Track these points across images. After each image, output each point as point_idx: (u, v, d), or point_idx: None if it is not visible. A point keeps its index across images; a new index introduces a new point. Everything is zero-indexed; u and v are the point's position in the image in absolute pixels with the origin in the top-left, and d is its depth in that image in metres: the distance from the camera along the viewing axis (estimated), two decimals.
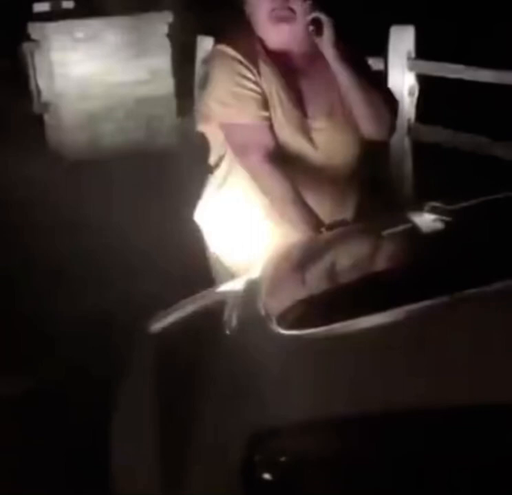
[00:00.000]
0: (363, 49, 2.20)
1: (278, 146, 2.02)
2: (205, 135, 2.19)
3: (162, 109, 7.00)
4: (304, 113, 2.04)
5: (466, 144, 4.30)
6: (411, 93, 4.57)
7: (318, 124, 2.05)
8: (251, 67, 2.01)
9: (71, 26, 6.58)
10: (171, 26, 6.95)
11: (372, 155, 2.29)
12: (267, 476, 1.05)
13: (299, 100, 2.05)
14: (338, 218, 2.04)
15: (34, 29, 6.67)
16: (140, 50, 6.82)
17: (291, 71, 2.06)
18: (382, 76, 2.24)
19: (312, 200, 2.01)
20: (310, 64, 2.07)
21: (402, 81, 4.55)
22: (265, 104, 2.02)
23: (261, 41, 2.05)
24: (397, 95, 4.59)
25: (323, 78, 2.05)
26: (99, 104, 6.74)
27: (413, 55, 4.56)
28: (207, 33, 6.67)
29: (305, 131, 2.04)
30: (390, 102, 2.12)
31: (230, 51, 2.02)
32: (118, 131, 6.85)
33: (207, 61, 2.12)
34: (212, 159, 2.21)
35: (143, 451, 1.37)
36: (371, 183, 2.25)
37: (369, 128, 2.08)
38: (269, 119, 2.02)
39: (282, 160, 2.01)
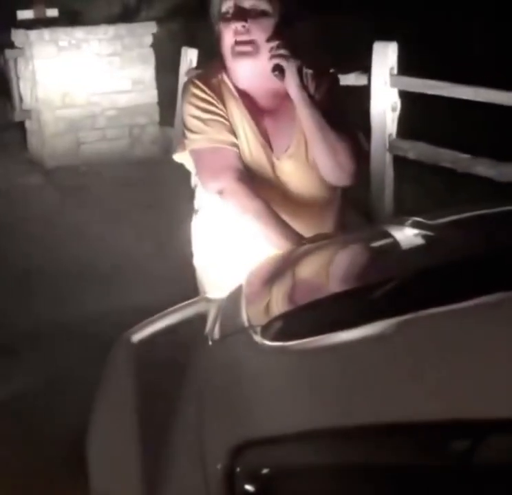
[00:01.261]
0: (336, 84, 2.15)
1: (246, 171, 2.03)
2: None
3: (144, 119, 7.02)
4: (270, 152, 2.05)
5: (446, 161, 4.34)
6: (393, 109, 4.61)
7: (284, 164, 2.06)
8: (218, 101, 2.03)
9: (55, 34, 6.58)
10: (155, 36, 6.97)
11: None
12: (249, 487, 1.05)
13: (263, 137, 2.05)
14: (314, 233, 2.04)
15: (18, 36, 6.67)
16: (123, 60, 6.84)
17: (258, 107, 2.06)
18: (352, 126, 2.13)
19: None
20: (278, 102, 2.06)
21: (385, 97, 4.59)
22: (232, 132, 2.03)
23: (230, 78, 2.05)
24: (379, 111, 4.68)
25: (291, 117, 2.03)
26: (81, 112, 6.74)
27: (395, 71, 4.60)
28: (191, 44, 6.70)
29: (271, 169, 2.06)
30: (354, 151, 2.03)
31: (198, 83, 2.05)
32: (100, 139, 6.85)
33: (182, 95, 2.13)
34: (192, 184, 2.23)
35: (122, 464, 1.36)
36: (350, 198, 2.26)
37: (326, 173, 2.05)
38: (237, 146, 2.03)
39: (252, 183, 2.02)
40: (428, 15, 7.81)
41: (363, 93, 4.57)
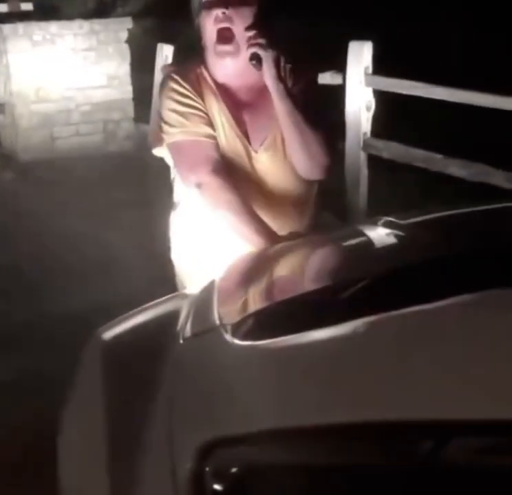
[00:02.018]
0: (314, 80, 2.16)
1: (225, 164, 2.03)
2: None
3: (119, 114, 6.99)
4: (248, 146, 2.06)
5: (419, 161, 4.37)
6: (367, 108, 4.62)
7: (260, 157, 2.06)
8: (196, 95, 2.04)
9: (30, 28, 6.52)
10: (130, 32, 6.93)
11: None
12: (217, 487, 1.05)
13: (241, 130, 2.05)
14: (289, 231, 2.05)
15: None
16: (98, 55, 6.80)
17: (236, 101, 2.07)
18: (327, 121, 2.13)
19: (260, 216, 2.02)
20: (257, 96, 2.06)
21: (359, 96, 4.61)
22: (211, 125, 2.04)
23: (209, 71, 2.06)
24: (354, 110, 4.69)
25: (269, 111, 2.03)
26: (55, 107, 6.69)
27: (370, 70, 4.61)
28: (167, 41, 6.67)
29: (248, 163, 2.06)
30: (326, 145, 2.04)
31: (177, 78, 2.05)
32: (74, 134, 6.81)
33: (159, 90, 2.13)
34: (171, 178, 2.22)
35: (91, 463, 1.35)
36: (324, 197, 2.27)
37: (300, 167, 2.06)
38: (215, 138, 2.04)
39: (230, 177, 2.02)
40: (404, 15, 7.84)
41: (338, 92, 4.58)
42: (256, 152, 2.07)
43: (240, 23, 1.96)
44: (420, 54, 6.94)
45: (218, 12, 1.96)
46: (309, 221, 2.16)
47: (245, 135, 2.06)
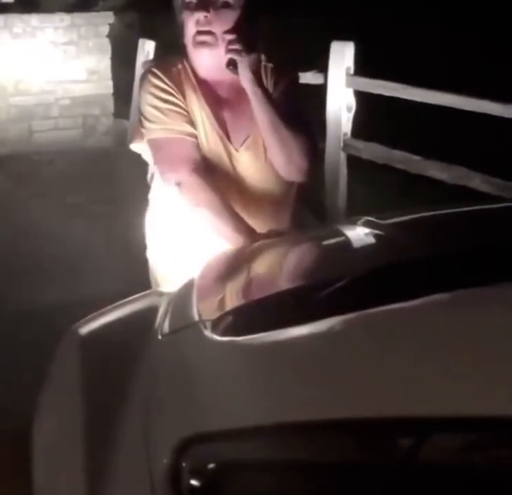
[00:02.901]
0: (296, 81, 2.15)
1: (204, 162, 2.03)
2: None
3: (99, 109, 6.95)
4: (228, 144, 2.05)
5: (399, 162, 4.39)
6: (348, 109, 4.65)
7: (241, 156, 2.06)
8: (176, 91, 2.03)
9: (10, 21, 6.48)
10: (112, 27, 6.89)
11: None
12: (194, 482, 1.04)
13: (222, 128, 2.05)
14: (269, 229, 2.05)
15: None
16: (79, 49, 6.76)
17: (218, 98, 2.06)
18: (308, 122, 2.12)
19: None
20: (239, 94, 2.05)
21: (340, 97, 4.62)
22: (191, 123, 2.03)
23: (192, 68, 2.05)
24: (335, 110, 4.71)
25: (250, 109, 2.02)
26: (34, 100, 6.65)
27: (351, 71, 4.63)
28: (149, 36, 6.65)
29: (229, 161, 2.06)
30: (306, 149, 2.03)
31: (157, 73, 2.04)
32: (53, 128, 6.77)
33: (139, 84, 2.12)
34: (149, 175, 2.21)
35: (66, 460, 1.34)
36: (303, 195, 2.27)
37: (279, 168, 2.06)
38: (196, 136, 2.03)
39: (209, 176, 2.01)
40: (386, 16, 7.88)
41: (319, 92, 4.59)
42: (237, 151, 2.06)
43: (221, 26, 1.96)
44: (402, 55, 6.97)
45: (200, 15, 1.96)
46: (289, 221, 2.16)
47: (226, 133, 2.06)
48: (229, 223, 1.97)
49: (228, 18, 1.96)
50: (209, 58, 2.00)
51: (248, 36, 1.96)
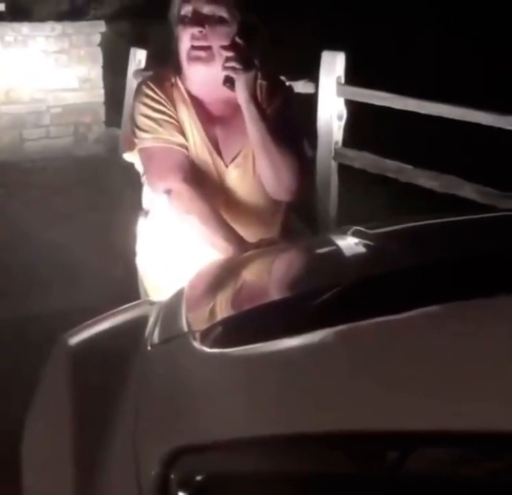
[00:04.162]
0: (290, 98, 2.12)
1: (194, 173, 2.03)
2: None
3: (90, 118, 6.95)
4: (218, 159, 2.05)
5: (390, 171, 4.41)
6: (339, 118, 4.66)
7: (231, 172, 2.06)
8: (169, 104, 2.03)
9: (1, 29, 6.48)
10: (103, 36, 6.90)
11: None
12: (183, 494, 1.04)
13: (212, 144, 2.05)
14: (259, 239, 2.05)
15: None
16: (70, 58, 6.76)
17: (209, 114, 2.06)
18: (301, 142, 2.11)
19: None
20: (231, 111, 2.05)
21: (331, 106, 4.64)
22: (183, 134, 2.03)
23: (184, 82, 2.05)
24: (326, 119, 4.72)
25: (242, 126, 2.01)
26: (25, 109, 6.64)
27: (342, 80, 4.65)
28: (140, 45, 6.65)
29: (218, 176, 2.06)
30: (297, 169, 2.02)
31: (151, 85, 2.05)
32: (44, 137, 6.76)
33: (134, 95, 2.12)
34: (142, 184, 2.22)
35: (55, 469, 1.34)
36: (295, 206, 2.27)
37: (268, 188, 2.05)
38: (187, 147, 2.03)
39: (199, 186, 2.01)
40: (377, 26, 7.91)
41: (310, 101, 4.60)
42: (226, 167, 2.06)
43: (216, 41, 1.95)
44: (395, 65, 7.00)
45: (194, 31, 1.95)
46: (279, 231, 2.16)
47: (216, 149, 2.05)
48: (218, 232, 1.97)
49: (223, 34, 1.94)
50: (203, 74, 2.00)
51: (245, 52, 1.94)
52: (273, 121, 2.00)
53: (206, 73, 1.99)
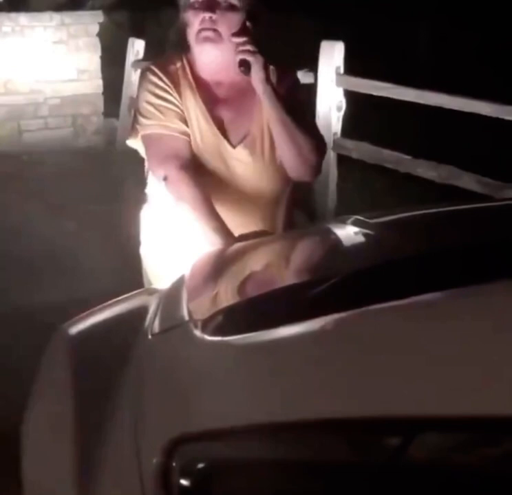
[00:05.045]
0: (297, 82, 2.18)
1: (195, 162, 2.04)
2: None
3: (88, 109, 6.93)
4: (224, 142, 2.06)
5: (389, 161, 4.40)
6: (338, 108, 4.65)
7: (239, 154, 2.06)
8: (173, 89, 2.04)
9: None
10: (101, 26, 6.88)
11: None
12: (184, 482, 1.04)
13: (220, 129, 2.05)
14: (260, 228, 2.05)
15: None
16: (69, 48, 6.74)
17: (216, 98, 2.07)
18: (314, 119, 2.18)
19: (226, 216, 2.02)
20: (239, 94, 2.06)
21: (330, 96, 4.63)
22: (185, 121, 2.04)
23: (191, 66, 2.06)
24: (325, 110, 4.72)
25: (251, 109, 2.04)
26: (23, 99, 6.62)
27: (341, 71, 4.63)
28: (139, 35, 6.63)
29: (224, 160, 2.06)
30: (317, 145, 2.07)
31: (155, 70, 2.06)
32: (42, 128, 6.75)
33: (139, 81, 2.13)
34: (146, 170, 2.22)
35: (56, 458, 1.34)
36: (295, 195, 2.27)
37: (291, 168, 2.07)
38: (188, 135, 2.04)
39: (198, 176, 2.02)
40: (375, 17, 7.89)
41: (309, 91, 4.59)
42: (234, 148, 2.06)
43: (226, 27, 1.97)
44: (394, 54, 6.99)
45: (205, 16, 1.97)
46: (281, 220, 2.17)
47: (222, 131, 2.06)
48: (208, 223, 1.98)
49: (233, 20, 1.97)
50: (212, 55, 2.01)
51: (254, 38, 1.97)
52: (287, 102, 2.03)
53: (215, 54, 2.01)
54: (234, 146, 2.06)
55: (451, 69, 7.09)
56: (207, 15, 1.96)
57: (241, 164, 2.07)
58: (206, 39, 1.99)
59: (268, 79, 1.98)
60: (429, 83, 4.28)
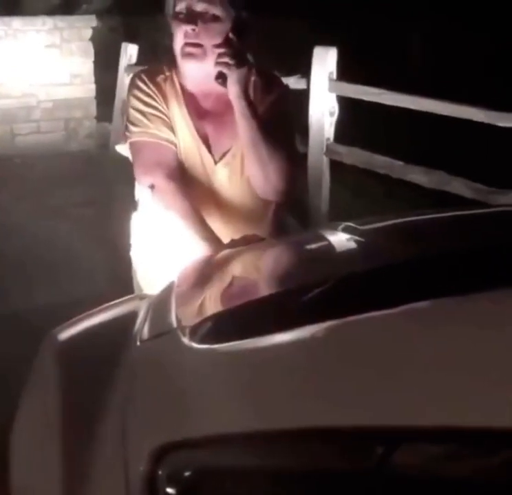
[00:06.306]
0: (284, 95, 2.11)
1: (181, 169, 2.03)
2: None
3: (81, 113, 6.93)
4: (207, 157, 2.05)
5: (381, 167, 4.41)
6: (331, 114, 4.65)
7: (219, 171, 2.06)
8: (160, 98, 2.04)
9: None
10: (95, 30, 6.87)
11: None
12: (170, 490, 1.04)
13: (204, 143, 2.05)
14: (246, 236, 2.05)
15: None
16: (62, 52, 6.74)
17: (201, 111, 2.06)
18: (292, 141, 2.12)
19: (211, 226, 2.02)
20: (224, 108, 2.04)
21: (323, 101, 4.63)
22: (172, 130, 2.04)
23: (179, 77, 2.06)
24: (317, 115, 4.72)
25: (234, 123, 2.02)
26: (16, 103, 6.61)
27: (334, 76, 4.64)
28: (132, 40, 6.63)
29: (206, 173, 2.06)
30: (285, 171, 2.01)
31: (144, 78, 2.06)
32: (35, 132, 6.74)
33: (128, 88, 2.13)
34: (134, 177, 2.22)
35: (44, 466, 1.34)
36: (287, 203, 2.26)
37: (257, 188, 2.05)
38: (175, 144, 2.03)
39: (183, 183, 2.02)
40: (369, 22, 7.91)
41: (302, 97, 4.60)
42: (215, 163, 2.06)
43: (209, 39, 1.96)
44: (386, 60, 7.00)
45: (187, 28, 1.95)
46: (268, 228, 2.16)
47: (206, 145, 2.06)
48: (196, 232, 1.98)
49: (216, 31, 1.96)
50: (196, 70, 2.00)
51: (237, 49, 1.96)
52: (265, 119, 2.01)
53: (199, 70, 2.00)
54: (215, 162, 2.06)
55: (448, 73, 7.11)
56: (190, 27, 1.95)
57: (223, 178, 2.07)
58: (189, 55, 1.98)
59: (243, 93, 1.96)
60: (425, 89, 4.29)
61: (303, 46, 4.77)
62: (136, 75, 2.11)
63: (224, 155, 2.06)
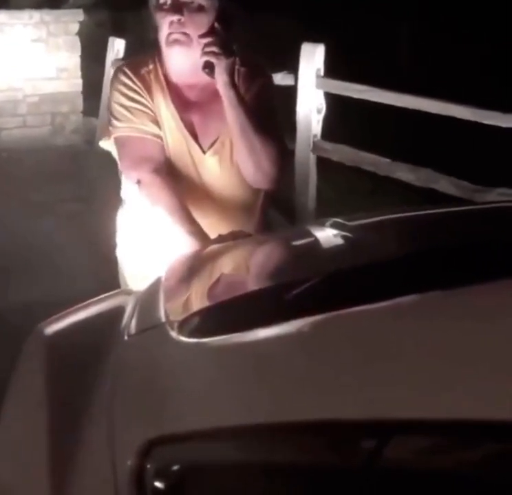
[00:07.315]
0: (269, 86, 2.12)
1: (167, 163, 2.02)
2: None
3: (68, 107, 6.90)
4: (195, 147, 2.04)
5: (367, 164, 4.42)
6: (318, 111, 4.66)
7: (208, 160, 2.05)
8: (144, 91, 2.02)
9: None
10: (82, 25, 6.84)
11: None
12: (159, 484, 1.04)
13: (191, 133, 2.04)
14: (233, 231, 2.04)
15: None
16: (48, 46, 6.70)
17: (187, 102, 2.05)
18: (279, 129, 2.11)
19: (198, 220, 2.01)
20: (210, 97, 2.04)
21: (310, 98, 4.63)
22: (157, 124, 2.03)
23: (163, 68, 2.04)
24: (305, 112, 4.72)
25: (222, 113, 2.01)
26: (2, 97, 6.58)
27: (322, 73, 4.64)
28: (119, 34, 6.61)
29: (194, 164, 2.05)
30: (275, 156, 2.02)
31: (127, 71, 2.04)
32: (21, 126, 6.71)
33: (110, 82, 2.11)
34: (119, 173, 2.21)
35: (30, 462, 1.33)
36: (273, 197, 2.26)
37: (247, 175, 2.05)
38: (161, 137, 2.02)
39: (170, 177, 2.01)
40: (357, 19, 7.92)
41: (289, 93, 4.60)
42: (204, 153, 2.05)
43: (195, 29, 1.95)
44: (376, 58, 7.01)
45: (173, 18, 1.94)
46: (256, 223, 2.16)
47: (193, 136, 2.05)
48: (182, 226, 1.97)
49: (202, 21, 1.95)
50: (182, 58, 1.99)
51: (224, 38, 1.95)
52: (252, 107, 2.00)
53: (185, 57, 1.99)
54: (204, 152, 2.05)
55: (437, 71, 7.13)
56: (175, 17, 1.94)
57: (211, 168, 2.06)
58: (176, 42, 1.96)
59: (231, 82, 1.95)
60: (415, 87, 4.30)
61: (290, 42, 4.77)
62: (119, 69, 2.09)
63: (212, 144, 2.06)
